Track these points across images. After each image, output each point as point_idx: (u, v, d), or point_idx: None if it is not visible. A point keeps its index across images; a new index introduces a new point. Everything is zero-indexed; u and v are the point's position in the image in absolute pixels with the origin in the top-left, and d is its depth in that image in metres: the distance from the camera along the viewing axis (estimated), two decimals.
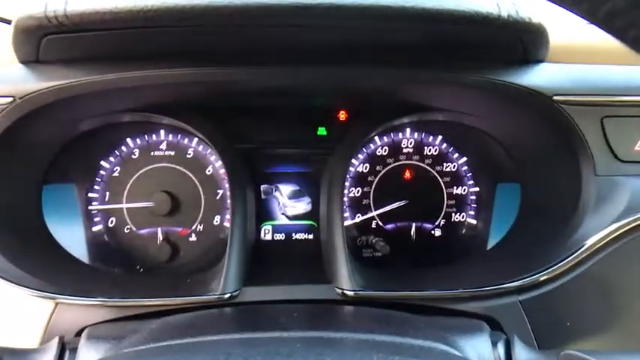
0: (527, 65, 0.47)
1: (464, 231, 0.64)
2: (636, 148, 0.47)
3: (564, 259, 0.45)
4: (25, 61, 0.45)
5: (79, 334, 0.42)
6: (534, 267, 0.45)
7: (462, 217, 0.64)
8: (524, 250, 0.49)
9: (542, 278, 0.44)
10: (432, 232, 0.64)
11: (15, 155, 0.49)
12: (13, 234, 0.48)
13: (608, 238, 0.45)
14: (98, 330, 0.41)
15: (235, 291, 0.47)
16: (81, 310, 0.44)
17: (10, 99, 0.44)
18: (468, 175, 0.64)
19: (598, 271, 0.45)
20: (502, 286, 0.44)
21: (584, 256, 0.44)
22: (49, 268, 0.48)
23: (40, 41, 0.41)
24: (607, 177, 0.47)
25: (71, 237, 0.58)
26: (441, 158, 0.64)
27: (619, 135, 0.46)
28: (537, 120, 0.49)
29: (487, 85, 0.45)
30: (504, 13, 0.39)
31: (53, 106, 0.47)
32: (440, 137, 0.64)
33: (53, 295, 0.44)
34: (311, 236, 0.63)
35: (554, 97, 0.46)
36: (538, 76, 0.46)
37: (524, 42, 0.43)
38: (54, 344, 0.37)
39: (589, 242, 0.45)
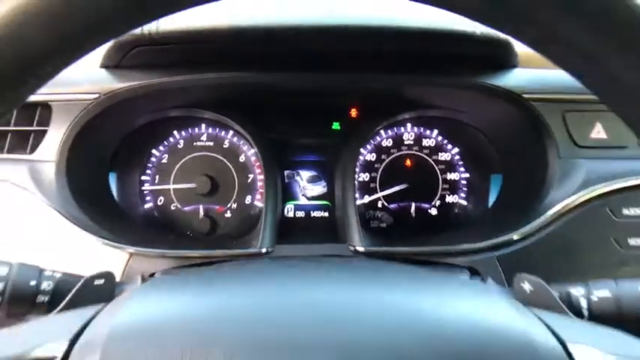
0: (503, 70, 0.59)
1: (456, 210, 0.75)
2: (591, 136, 0.59)
3: (533, 223, 0.56)
4: (106, 66, 0.58)
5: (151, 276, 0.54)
6: (509, 229, 0.57)
7: (455, 199, 0.76)
8: (502, 217, 0.61)
9: (514, 237, 0.56)
10: (429, 210, 0.75)
11: (90, 145, 0.61)
12: (92, 207, 0.60)
13: (569, 207, 0.56)
14: (168, 272, 0.53)
15: (270, 247, 0.59)
16: (151, 261, 0.56)
17: (97, 95, 0.56)
18: (460, 163, 0.76)
19: (560, 232, 0.56)
20: (482, 243, 0.56)
21: (549, 220, 0.56)
22: (122, 230, 0.59)
23: (130, 51, 0.53)
24: (568, 159, 0.58)
25: (131, 213, 0.70)
26: (437, 149, 0.76)
27: (577, 125, 0.58)
28: (512, 114, 0.61)
29: (470, 86, 0.58)
30: (478, 31, 0.51)
31: (126, 103, 0.59)
32: (436, 131, 0.75)
33: (128, 246, 0.55)
34: (326, 214, 0.75)
35: (524, 95, 0.58)
36: (511, 79, 0.58)
37: (497, 52, 0.55)
38: (138, 278, 0.48)
39: (553, 210, 0.56)
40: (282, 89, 0.65)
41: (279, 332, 0.27)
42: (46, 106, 0.57)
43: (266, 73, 0.59)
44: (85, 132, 0.58)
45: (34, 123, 0.58)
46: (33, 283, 0.42)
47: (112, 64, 0.57)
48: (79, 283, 0.39)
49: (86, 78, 0.57)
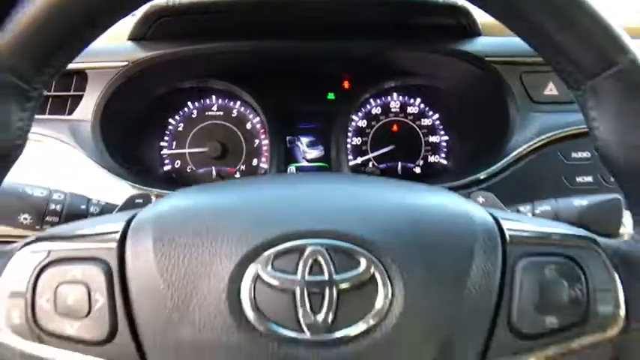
0: (469, 38, 0.70)
1: (437, 168, 0.86)
2: (544, 93, 0.69)
3: (497, 164, 0.67)
4: (133, 38, 0.69)
5: None
6: (477, 171, 0.67)
7: (436, 159, 0.86)
8: (472, 163, 0.71)
9: (481, 177, 0.66)
10: (414, 169, 0.86)
11: (120, 109, 0.72)
12: (123, 160, 0.70)
13: (527, 151, 0.66)
14: None
15: None
16: None
17: (126, 63, 0.67)
18: (440, 127, 0.86)
19: (520, 172, 0.66)
20: (453, 183, 0.66)
21: (510, 162, 0.66)
22: (147, 182, 0.70)
23: (155, 23, 0.64)
24: (525, 112, 0.69)
25: (153, 173, 0.80)
26: (419, 115, 0.86)
27: (532, 84, 0.69)
28: (478, 75, 0.71)
29: (442, 51, 0.68)
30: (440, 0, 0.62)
31: (149, 71, 0.70)
32: (419, 99, 0.86)
33: (155, 189, 0.65)
34: None
35: (487, 59, 0.68)
36: (476, 45, 0.69)
37: (461, 21, 0.65)
38: None
39: (514, 154, 0.66)
40: (286, 56, 0.76)
41: (298, 207, 0.36)
42: (82, 74, 0.68)
43: (272, 41, 0.70)
44: (115, 96, 0.69)
45: (72, 89, 0.68)
46: (83, 207, 0.53)
47: (138, 36, 0.68)
48: (124, 200, 0.49)
49: (117, 49, 0.68)
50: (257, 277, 0.32)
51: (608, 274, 0.35)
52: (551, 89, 0.69)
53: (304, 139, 0.86)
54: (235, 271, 0.33)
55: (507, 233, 0.36)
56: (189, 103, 0.84)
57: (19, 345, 0.34)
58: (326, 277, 0.32)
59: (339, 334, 0.32)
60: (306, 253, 0.33)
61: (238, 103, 0.85)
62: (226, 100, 0.85)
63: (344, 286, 0.32)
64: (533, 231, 0.37)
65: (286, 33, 0.69)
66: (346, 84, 0.85)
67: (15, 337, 0.34)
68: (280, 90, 0.83)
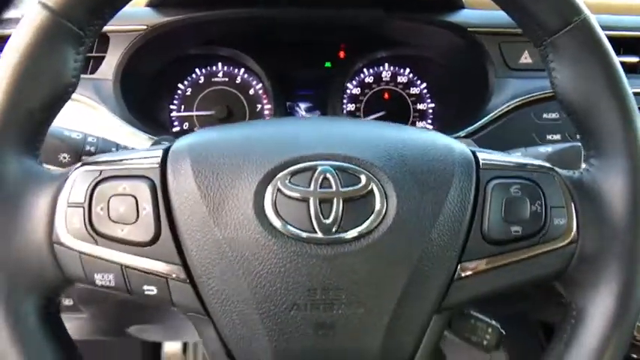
0: (453, 10, 0.78)
1: None
2: (520, 61, 0.77)
3: (475, 124, 0.75)
4: (151, 4, 0.75)
5: None
6: (458, 131, 0.75)
7: (423, 125, 0.94)
8: (455, 124, 0.79)
9: (461, 135, 0.74)
10: None
11: (139, 70, 0.79)
12: (142, 116, 0.77)
13: (503, 112, 0.74)
14: None
15: None
16: None
17: (145, 27, 0.74)
18: (427, 96, 0.94)
19: (496, 132, 0.74)
20: None
21: (488, 122, 0.74)
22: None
23: None
24: (503, 78, 0.77)
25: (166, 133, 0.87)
26: (409, 84, 0.94)
27: (510, 53, 0.77)
28: (460, 45, 0.79)
29: (429, 22, 0.76)
30: None
31: (164, 35, 0.77)
32: (408, 69, 0.94)
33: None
34: None
35: (469, 29, 0.77)
36: (459, 16, 0.77)
37: None
38: None
39: (491, 114, 0.74)
40: (288, 24, 0.84)
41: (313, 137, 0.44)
42: (104, 37, 0.74)
43: (275, 9, 0.78)
44: (134, 58, 0.75)
45: (94, 50, 0.75)
46: (114, 149, 0.60)
47: (156, 3, 0.75)
48: (153, 142, 0.56)
49: (136, 14, 0.75)
50: (277, 190, 0.40)
51: (562, 194, 0.43)
52: (526, 57, 0.77)
53: (303, 105, 0.93)
54: (260, 184, 0.40)
55: (481, 161, 0.44)
56: (196, 69, 0.91)
57: (78, 246, 0.41)
58: (334, 189, 0.40)
59: (344, 234, 0.39)
60: (318, 171, 0.40)
61: (242, 70, 0.92)
62: (231, 67, 0.91)
63: (348, 196, 0.40)
64: (502, 160, 0.45)
65: (289, 2, 0.76)
66: (342, 53, 0.93)
67: (74, 240, 0.41)
68: (282, 58, 0.90)
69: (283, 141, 0.43)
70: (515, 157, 0.46)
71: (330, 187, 0.40)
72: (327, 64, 0.93)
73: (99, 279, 0.41)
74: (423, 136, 0.45)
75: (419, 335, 0.41)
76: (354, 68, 0.92)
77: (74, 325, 0.88)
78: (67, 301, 0.77)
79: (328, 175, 0.40)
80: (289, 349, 0.40)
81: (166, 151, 0.43)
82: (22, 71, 0.40)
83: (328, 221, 0.39)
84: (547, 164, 0.45)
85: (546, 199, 0.43)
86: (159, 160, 0.42)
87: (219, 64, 0.91)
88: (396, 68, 0.93)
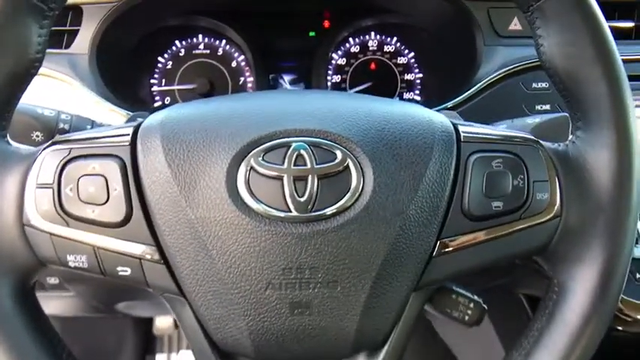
0: None
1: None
2: (509, 28, 0.75)
3: (464, 94, 0.73)
4: None
5: None
6: (445, 102, 0.74)
7: (411, 96, 0.92)
8: (443, 95, 0.77)
9: (449, 106, 0.73)
10: None
11: (115, 43, 0.76)
12: (119, 92, 0.75)
13: (491, 81, 0.72)
14: None
15: None
16: None
17: None
18: (415, 65, 0.91)
19: (485, 102, 0.72)
20: None
21: (476, 91, 0.72)
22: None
23: None
24: (491, 46, 0.74)
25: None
26: (396, 53, 0.91)
27: (498, 19, 0.74)
28: (449, 11, 0.77)
29: None
30: None
31: (138, 7, 0.74)
32: (395, 38, 0.91)
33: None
34: None
35: None
36: None
37: None
38: None
39: (479, 84, 0.73)
40: None
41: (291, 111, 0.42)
42: (77, 9, 0.72)
43: None
44: (110, 31, 0.73)
45: (68, 24, 0.72)
46: (88, 127, 0.58)
47: None
48: (128, 117, 0.54)
49: None
50: (251, 168, 0.39)
51: (546, 168, 0.42)
52: (515, 24, 0.75)
53: (287, 77, 0.91)
54: (232, 162, 0.39)
55: (462, 135, 0.42)
56: (176, 42, 0.88)
57: (49, 228, 0.40)
58: (308, 166, 0.39)
59: (320, 212, 0.38)
60: (292, 147, 0.39)
61: (224, 41, 0.89)
62: (212, 39, 0.89)
63: (323, 173, 0.39)
64: (484, 133, 0.43)
65: None
66: (326, 23, 0.90)
67: (44, 221, 0.40)
68: (264, 28, 0.87)
69: (257, 117, 0.41)
70: (499, 130, 0.45)
71: (305, 164, 0.39)
72: (311, 34, 0.90)
73: (71, 260, 0.40)
74: (403, 108, 0.44)
75: (397, 313, 0.41)
76: (339, 38, 0.89)
77: (62, 302, 0.88)
78: (52, 280, 0.76)
79: (302, 152, 0.39)
80: (265, 328, 0.39)
81: (137, 129, 0.42)
82: None
83: (303, 199, 0.38)
84: (531, 137, 0.44)
85: (529, 173, 0.42)
86: (129, 138, 0.41)
87: (200, 36, 0.88)
88: (383, 37, 0.91)
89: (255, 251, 0.38)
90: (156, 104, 0.88)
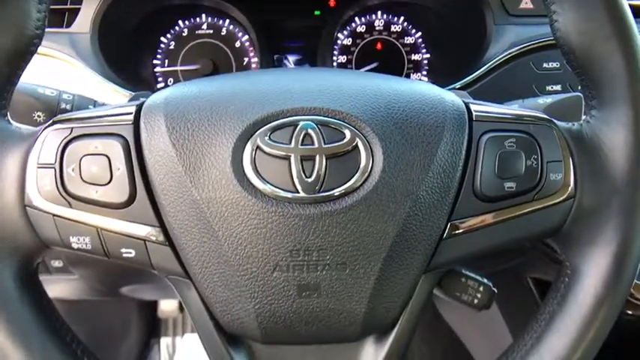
0: None
1: None
2: (520, 6, 0.73)
3: (473, 74, 0.71)
4: None
5: None
6: (454, 82, 0.72)
7: (418, 76, 0.90)
8: (451, 75, 0.76)
9: (457, 86, 0.71)
10: None
11: (116, 22, 0.74)
12: (121, 72, 0.73)
13: (501, 61, 0.71)
14: None
15: None
16: None
17: None
18: (422, 45, 0.90)
19: (495, 82, 0.70)
20: None
21: (485, 71, 0.70)
22: None
23: None
24: (502, 25, 0.73)
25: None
26: (403, 33, 0.89)
27: None
28: None
29: None
30: None
31: None
32: (402, 17, 0.89)
33: None
34: None
35: None
36: None
37: None
38: None
39: (489, 64, 0.71)
40: None
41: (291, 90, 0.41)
42: None
43: None
44: (111, 9, 0.71)
45: (69, 2, 0.71)
46: (90, 106, 0.57)
47: None
48: (130, 97, 0.53)
49: None
50: (257, 147, 0.38)
51: (560, 148, 0.41)
52: (526, 2, 0.73)
53: (291, 57, 0.89)
54: (238, 141, 0.38)
55: (474, 113, 0.41)
56: (179, 22, 0.86)
57: (51, 209, 0.39)
58: (316, 146, 0.37)
59: (328, 192, 0.37)
60: (299, 126, 0.38)
61: (227, 21, 0.87)
62: (216, 19, 0.87)
63: (332, 153, 0.37)
64: (496, 112, 0.42)
65: None
66: (332, 1, 0.88)
67: (46, 202, 0.39)
68: (268, 7, 0.86)
69: (263, 95, 0.40)
70: (511, 109, 0.44)
71: (313, 143, 0.38)
72: (317, 13, 0.88)
73: (75, 242, 0.39)
74: (413, 87, 0.43)
75: (406, 296, 0.40)
76: (345, 17, 0.87)
77: (67, 286, 0.87)
78: (57, 263, 0.76)
79: (310, 131, 0.38)
80: (272, 310, 0.39)
81: (140, 107, 0.40)
82: None
83: (310, 179, 0.37)
84: (544, 116, 0.43)
85: (543, 153, 0.40)
86: (132, 116, 0.40)
87: (204, 16, 0.87)
88: (390, 16, 0.89)
89: (261, 233, 0.37)
90: (158, 85, 0.87)
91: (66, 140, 0.39)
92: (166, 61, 0.87)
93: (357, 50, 0.89)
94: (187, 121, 0.39)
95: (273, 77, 0.43)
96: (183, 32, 0.87)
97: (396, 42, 0.89)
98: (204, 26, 0.87)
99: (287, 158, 0.37)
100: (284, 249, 0.38)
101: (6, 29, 0.39)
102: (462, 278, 0.46)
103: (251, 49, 0.87)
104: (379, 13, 0.89)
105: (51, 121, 0.41)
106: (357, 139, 0.38)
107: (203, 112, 0.39)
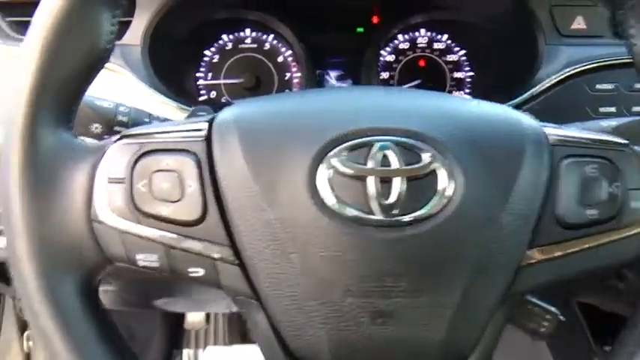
0: None
1: None
2: (572, 27, 0.72)
3: (524, 95, 0.70)
4: None
5: None
6: (499, 100, 0.71)
7: (460, 94, 0.89)
8: (497, 95, 0.75)
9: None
10: None
11: (166, 36, 0.75)
12: (170, 84, 0.74)
13: (553, 82, 0.70)
14: None
15: None
16: None
17: None
18: (466, 63, 0.89)
19: (547, 102, 0.69)
20: None
21: (537, 92, 0.69)
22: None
23: None
24: (554, 45, 0.72)
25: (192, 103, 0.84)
26: (446, 51, 0.89)
27: (561, 18, 0.72)
28: (509, 8, 0.74)
29: None
30: None
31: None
32: (446, 35, 0.88)
33: None
34: None
35: None
36: None
37: None
38: None
39: (539, 85, 0.70)
40: None
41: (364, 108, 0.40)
42: (131, 1, 0.71)
43: None
44: (162, 22, 0.71)
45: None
46: (146, 120, 0.57)
47: None
48: (189, 112, 0.53)
49: None
50: (332, 167, 0.37)
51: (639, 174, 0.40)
52: (579, 23, 0.72)
53: (333, 73, 0.89)
54: (313, 161, 0.37)
55: (553, 138, 0.40)
56: (223, 36, 0.87)
57: (119, 225, 0.38)
58: (395, 167, 0.36)
59: (405, 216, 0.36)
60: (377, 146, 0.37)
61: (271, 36, 0.87)
62: (259, 33, 0.87)
63: (410, 175, 0.36)
64: (575, 136, 0.41)
65: None
66: (375, 18, 0.88)
67: (115, 218, 0.38)
68: (312, 23, 0.85)
69: (336, 113, 0.39)
70: (589, 133, 0.42)
71: (388, 164, 0.37)
72: (359, 30, 0.88)
73: (141, 259, 0.38)
74: (488, 108, 0.42)
75: (483, 325, 0.39)
76: (388, 34, 0.87)
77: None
78: None
79: (388, 152, 0.37)
80: (345, 337, 0.37)
81: (211, 122, 0.40)
82: (57, 34, 0.38)
83: (388, 202, 0.36)
84: (623, 141, 0.41)
85: (624, 180, 0.39)
86: (204, 132, 0.39)
87: (248, 30, 0.87)
88: (433, 34, 0.88)
89: (335, 256, 0.36)
90: (201, 97, 0.87)
91: (137, 155, 0.38)
92: (209, 74, 0.87)
93: (399, 67, 0.89)
94: (261, 139, 0.38)
95: (342, 96, 0.43)
96: (227, 46, 0.87)
97: (439, 59, 0.89)
98: (248, 40, 0.87)
99: (363, 179, 0.37)
100: (357, 273, 0.36)
101: (80, 44, 0.39)
102: (529, 305, 0.45)
103: (294, 64, 0.87)
104: (422, 30, 0.88)
105: (119, 136, 0.40)
106: (436, 162, 0.37)
107: (277, 130, 0.38)
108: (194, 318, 1.29)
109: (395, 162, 0.37)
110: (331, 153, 0.37)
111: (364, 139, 0.37)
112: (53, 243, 0.38)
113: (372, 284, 0.36)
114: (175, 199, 0.38)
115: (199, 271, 0.38)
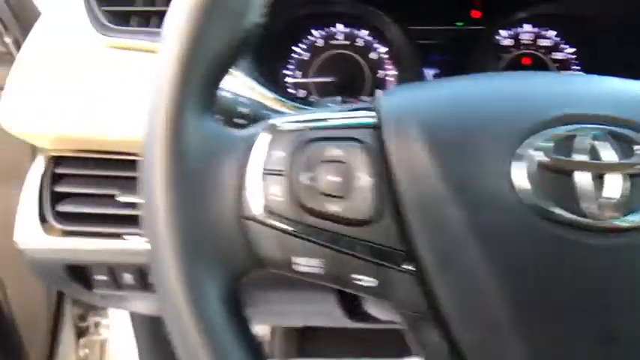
0: None
1: None
2: None
3: None
4: None
5: None
6: None
7: None
8: None
9: None
10: None
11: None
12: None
13: None
14: None
15: None
16: None
17: None
18: (575, 61, 0.82)
19: None
20: None
21: None
22: None
23: None
24: None
25: None
26: (553, 48, 0.82)
27: None
28: (630, 5, 0.67)
29: None
30: None
31: None
32: (554, 31, 0.82)
33: None
34: None
35: None
36: None
37: None
38: None
39: None
40: None
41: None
42: None
43: None
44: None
45: None
46: (265, 112, 0.52)
47: None
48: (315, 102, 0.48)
49: None
50: (533, 159, 0.31)
51: None
52: None
53: (428, 72, 0.83)
54: (512, 153, 0.31)
55: None
56: (313, 32, 0.82)
57: (276, 223, 0.33)
58: (614, 160, 0.30)
59: (625, 221, 0.30)
60: (588, 136, 0.31)
61: (363, 31, 0.82)
62: (351, 29, 0.82)
63: (632, 172, 0.30)
64: None
65: None
66: (476, 13, 0.81)
67: (271, 215, 0.33)
68: (408, 17, 0.80)
69: (533, 97, 0.33)
70: None
71: (598, 158, 0.31)
72: (459, 25, 0.82)
73: (301, 264, 0.33)
74: None
75: None
76: (490, 30, 0.81)
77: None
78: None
79: (601, 143, 0.31)
80: None
81: (378, 112, 0.34)
82: (202, 10, 0.33)
83: (604, 202, 0.30)
84: None
85: None
86: (372, 120, 0.34)
87: (340, 26, 0.82)
88: (538, 29, 0.82)
89: (539, 265, 0.30)
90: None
91: (298, 144, 0.33)
92: (298, 72, 0.82)
93: (502, 65, 0.82)
94: (447, 129, 0.32)
95: (531, 80, 0.37)
96: (317, 42, 0.82)
97: (545, 57, 0.82)
98: (340, 36, 0.82)
99: (570, 174, 0.30)
100: (568, 286, 0.30)
101: (226, 20, 0.34)
102: None
103: (388, 61, 0.81)
104: (527, 25, 0.82)
105: (269, 123, 0.35)
106: None
107: (463, 119, 0.33)
108: (259, 330, 1.24)
109: (614, 155, 0.30)
110: (533, 143, 0.31)
111: (572, 127, 0.31)
112: (200, 244, 0.33)
113: (591, 300, 0.30)
114: (343, 194, 0.32)
115: (367, 281, 0.33)
